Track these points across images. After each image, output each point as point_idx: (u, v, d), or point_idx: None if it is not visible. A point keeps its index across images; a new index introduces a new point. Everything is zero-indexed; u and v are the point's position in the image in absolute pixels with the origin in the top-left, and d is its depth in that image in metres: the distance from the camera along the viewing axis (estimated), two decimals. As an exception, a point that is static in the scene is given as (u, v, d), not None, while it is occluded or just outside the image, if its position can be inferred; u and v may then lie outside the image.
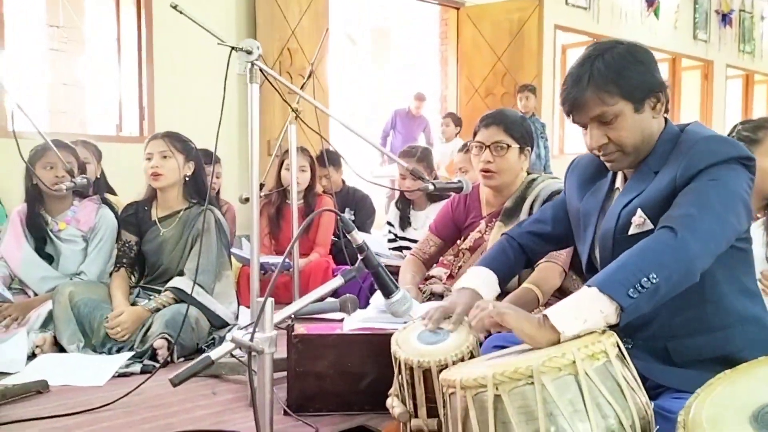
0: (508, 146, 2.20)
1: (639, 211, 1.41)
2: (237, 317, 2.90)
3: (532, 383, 1.14)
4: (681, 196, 1.35)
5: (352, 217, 4.22)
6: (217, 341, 2.67)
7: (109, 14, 4.86)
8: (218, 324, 2.76)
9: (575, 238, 1.65)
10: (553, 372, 1.15)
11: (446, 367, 1.45)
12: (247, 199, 3.52)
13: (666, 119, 1.48)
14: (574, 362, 1.15)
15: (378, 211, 4.65)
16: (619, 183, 1.54)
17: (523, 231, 1.76)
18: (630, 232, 1.42)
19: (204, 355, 1.26)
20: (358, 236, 1.47)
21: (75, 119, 5.29)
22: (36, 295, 2.80)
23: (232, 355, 2.21)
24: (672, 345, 1.41)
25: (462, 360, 1.48)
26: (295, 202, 2.98)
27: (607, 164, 1.50)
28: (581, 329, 1.24)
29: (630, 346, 1.41)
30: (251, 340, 1.25)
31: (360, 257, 1.47)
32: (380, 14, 9.56)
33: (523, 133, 2.25)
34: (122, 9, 4.79)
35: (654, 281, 1.23)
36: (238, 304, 2.98)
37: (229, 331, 2.74)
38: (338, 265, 3.83)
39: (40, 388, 2.16)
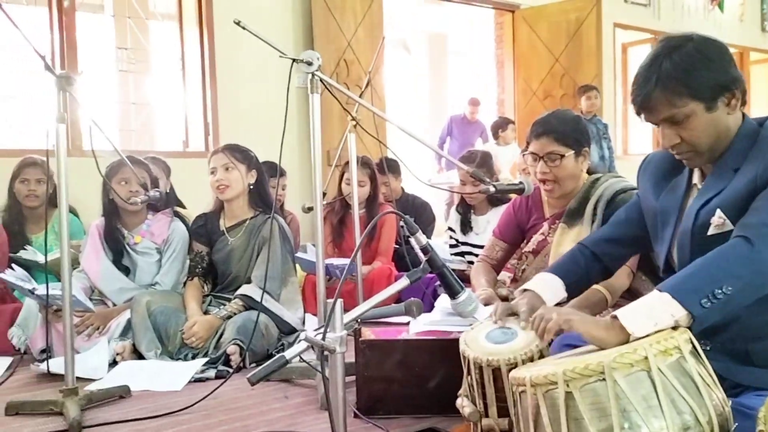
0: (562, 155, 2.14)
1: (718, 212, 1.37)
2: (303, 323, 2.96)
3: (604, 380, 1.14)
4: (759, 199, 1.31)
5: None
6: (286, 347, 2.73)
7: (173, 35, 5.07)
8: (286, 330, 2.83)
9: (652, 238, 1.60)
10: (625, 368, 1.14)
11: (516, 366, 1.45)
12: (310, 209, 3.60)
13: (743, 114, 1.43)
14: (646, 358, 1.14)
15: (436, 219, 4.66)
16: (696, 179, 1.49)
17: (596, 238, 1.74)
18: (709, 233, 1.38)
19: (279, 355, 1.31)
20: (422, 238, 1.49)
21: (143, 137, 5.53)
22: (115, 305, 2.95)
23: (302, 360, 2.30)
24: (753, 347, 1.36)
25: (531, 359, 1.48)
26: (357, 210, 3.02)
27: (684, 162, 1.47)
28: (651, 332, 1.22)
29: (708, 348, 1.38)
30: (323, 339, 1.29)
31: (425, 258, 1.49)
32: (435, 20, 9.58)
33: (577, 136, 2.17)
34: (185, 30, 4.99)
35: (728, 292, 1.21)
36: (304, 311, 3.04)
37: (297, 337, 2.81)
38: (400, 272, 3.86)
39: (122, 393, 2.27)
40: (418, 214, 4.33)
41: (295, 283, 3.04)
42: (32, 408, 2.12)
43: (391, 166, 4.13)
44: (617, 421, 1.11)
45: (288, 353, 1.33)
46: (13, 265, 2.84)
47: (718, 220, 1.37)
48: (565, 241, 2.19)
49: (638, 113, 1.43)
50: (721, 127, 1.39)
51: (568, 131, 2.15)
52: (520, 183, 2.16)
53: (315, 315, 3.34)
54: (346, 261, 3.58)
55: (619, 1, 7.28)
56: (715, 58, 1.38)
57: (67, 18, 4.29)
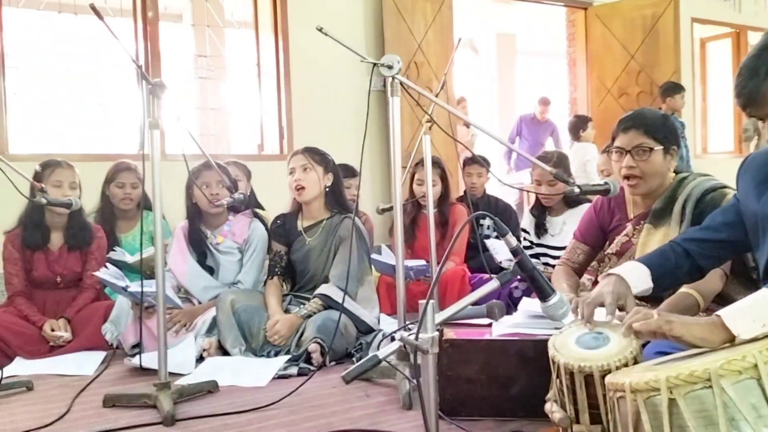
0: (651, 149, 2.08)
1: None
2: (379, 322, 2.99)
3: (710, 387, 1.11)
4: None
5: (491, 224, 4.22)
6: (364, 346, 2.77)
7: (249, 42, 5.21)
8: (364, 329, 2.87)
9: (752, 242, 1.54)
10: (732, 375, 1.10)
11: (609, 372, 1.43)
12: (383, 210, 3.65)
13: None
14: (755, 366, 1.10)
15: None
16: None
17: (689, 237, 1.68)
18: None
19: (371, 354, 1.33)
20: (512, 240, 1.48)
21: (221, 141, 5.70)
22: (200, 303, 3.06)
23: (384, 360, 2.32)
24: None
25: (626, 365, 1.45)
26: (431, 211, 3.02)
27: None
28: (758, 333, 1.18)
29: None
30: (416, 339, 1.31)
31: (515, 260, 1.48)
32: (504, 20, 9.48)
33: (667, 133, 2.12)
34: (261, 36, 5.12)
35: None
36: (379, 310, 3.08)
37: (374, 336, 2.84)
38: (473, 273, 3.84)
39: (211, 388, 2.36)
40: (502, 217, 4.30)
41: (371, 282, 3.08)
42: (128, 401, 2.23)
43: (480, 161, 4.13)
44: (725, 430, 1.08)
45: (381, 353, 1.36)
46: (107, 264, 3.00)
47: None
48: (651, 242, 2.13)
49: (744, 107, 1.37)
50: None
51: (659, 126, 2.10)
52: (606, 183, 2.12)
53: (388, 315, 3.38)
54: (420, 262, 3.59)
55: (698, -6, 7.02)
56: None
57: (151, 28, 4.48)
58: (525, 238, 3.76)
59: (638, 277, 1.61)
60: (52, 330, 2.89)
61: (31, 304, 2.97)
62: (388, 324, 3.15)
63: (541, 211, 3.61)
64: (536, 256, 3.68)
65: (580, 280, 2.43)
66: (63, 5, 4.62)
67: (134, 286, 2.69)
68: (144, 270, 3.15)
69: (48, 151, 4.10)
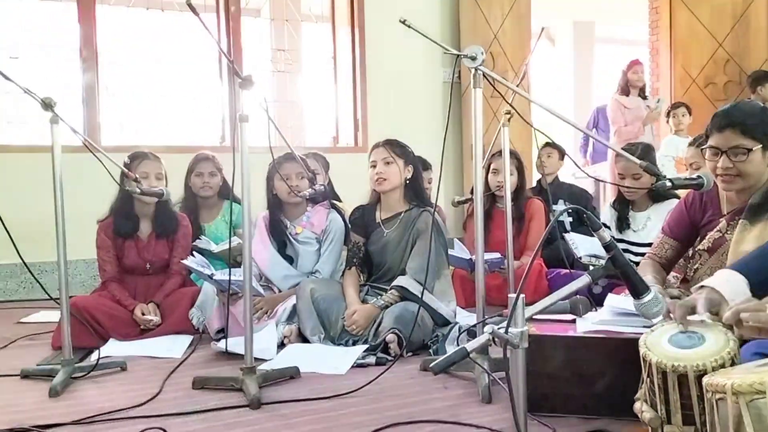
0: (750, 149, 1.97)
1: None
2: (455, 315, 2.99)
3: (822, 392, 1.05)
4: None
5: (571, 219, 4.15)
6: (441, 338, 2.78)
7: (325, 36, 5.29)
8: (440, 322, 2.87)
9: None
10: None
11: (705, 372, 1.38)
12: (459, 203, 3.63)
13: None
14: None
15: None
16: None
17: None
18: None
19: (460, 347, 1.33)
20: (606, 234, 1.45)
21: (297, 134, 5.81)
22: (280, 291, 3.15)
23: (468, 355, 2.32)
24: None
25: (722, 366, 1.40)
26: (509, 205, 2.98)
27: None
28: None
29: None
30: (506, 332, 1.30)
31: (608, 255, 1.45)
32: (582, 8, 9.21)
33: (766, 128, 1.99)
34: (338, 30, 5.18)
35: None
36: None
37: (450, 329, 2.84)
38: (550, 268, 3.78)
39: (293, 374, 2.42)
40: (579, 204, 4.21)
41: (447, 276, 3.08)
42: (216, 383, 2.32)
43: (555, 145, 4.07)
44: (838, 437, 1.03)
45: (469, 345, 1.36)
46: (194, 252, 3.12)
47: None
48: (746, 238, 2.03)
49: None
50: None
51: (757, 123, 1.98)
52: (699, 177, 2.04)
53: (462, 308, 3.37)
54: (494, 255, 3.56)
55: (794, -23, 6.60)
56: None
57: (233, 23, 4.61)
58: (605, 233, 3.66)
59: (733, 289, 1.52)
60: (143, 314, 3.03)
61: (123, 289, 3.12)
62: (463, 317, 3.14)
63: (623, 206, 3.50)
64: (617, 251, 3.58)
65: (667, 275, 2.36)
66: (151, 2, 4.82)
67: (219, 274, 2.79)
68: (225, 259, 3.27)
69: (136, 143, 4.30)
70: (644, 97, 5.67)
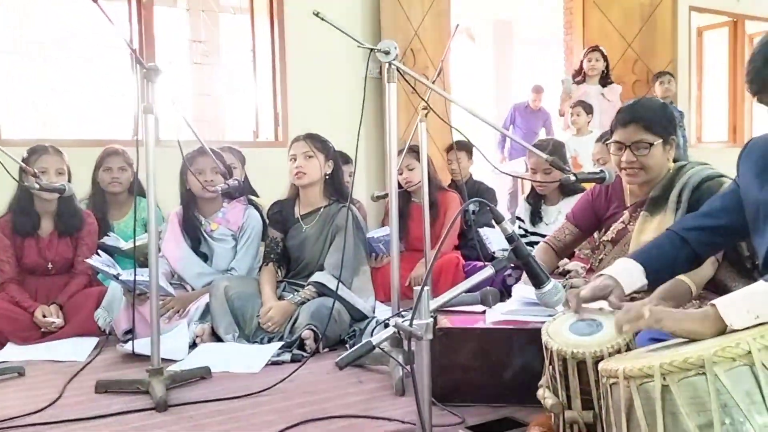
0: (651, 144, 2.07)
1: None
2: (374, 310, 2.99)
3: (704, 374, 1.10)
4: None
5: (476, 209, 4.22)
6: (358, 333, 2.77)
7: (244, 26, 5.17)
8: (358, 317, 2.86)
9: (751, 230, 1.51)
10: (726, 362, 1.10)
11: (602, 358, 1.43)
12: (378, 198, 3.63)
13: None
14: (749, 353, 1.10)
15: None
16: None
17: (687, 225, 1.65)
18: None
19: (365, 340, 1.32)
20: (509, 226, 1.47)
21: (215, 127, 5.67)
22: (193, 289, 3.05)
23: (377, 347, 2.32)
24: None
25: (618, 352, 1.45)
26: (426, 198, 3.00)
27: None
28: (750, 324, 1.17)
29: None
30: (410, 325, 1.30)
31: (510, 247, 1.48)
32: (501, 8, 9.42)
33: (665, 123, 2.10)
34: (257, 21, 5.08)
35: None
36: (375, 299, 3.07)
37: (368, 324, 2.84)
38: (467, 261, 3.84)
39: (204, 374, 2.36)
40: (485, 199, 4.30)
41: (366, 272, 3.08)
42: (120, 386, 2.22)
43: (462, 146, 4.11)
44: (717, 416, 1.08)
45: (375, 339, 1.35)
46: (99, 251, 2.98)
47: None
48: (646, 229, 2.13)
49: (755, 93, 1.35)
50: None
51: (657, 119, 2.08)
52: (601, 171, 2.12)
53: (383, 302, 3.37)
54: (384, 231, 3.59)
55: (696, -18, 6.98)
56: None
57: (145, 12, 4.43)
58: (520, 227, 3.76)
59: (631, 277, 1.59)
60: (44, 316, 2.87)
61: (22, 290, 2.96)
62: (383, 312, 3.15)
63: (536, 200, 3.60)
64: (531, 244, 3.67)
65: (560, 260, 2.44)
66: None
67: (126, 274, 2.68)
68: (138, 257, 3.14)
69: (42, 137, 4.06)
70: (604, 84, 5.73)
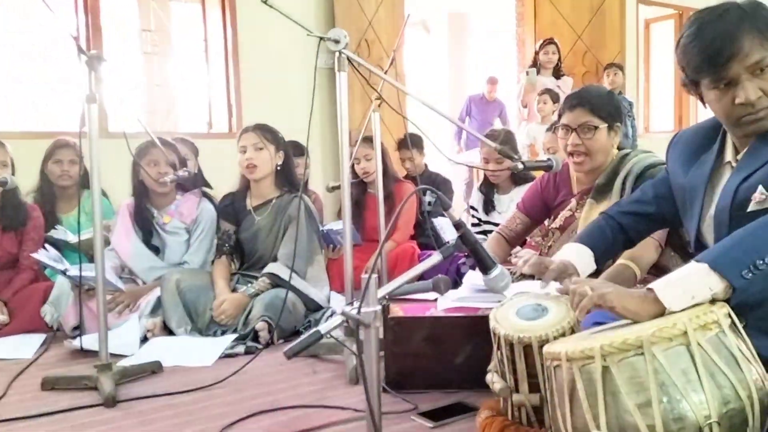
0: (596, 127, 2.13)
1: (760, 188, 1.33)
2: (329, 301, 2.99)
3: (642, 354, 1.13)
4: None
5: (432, 200, 4.25)
6: (313, 323, 2.77)
7: (195, 15, 5.07)
8: (313, 307, 2.86)
9: (681, 215, 1.57)
10: (663, 342, 1.13)
11: (547, 342, 1.46)
12: (333, 188, 3.63)
13: None
14: (685, 332, 1.14)
15: (455, 198, 4.66)
16: (730, 156, 1.45)
17: (622, 210, 1.71)
18: (749, 209, 1.34)
19: (313, 330, 1.32)
20: (455, 214, 1.49)
21: (168, 118, 5.55)
22: (144, 283, 3.00)
23: (330, 336, 2.32)
24: None
25: (563, 335, 1.49)
26: (380, 188, 3.01)
27: (751, 126, 1.37)
28: (687, 305, 1.21)
29: (744, 325, 1.36)
30: (358, 313, 1.30)
31: (458, 234, 1.49)
32: (456, 0, 9.46)
33: (611, 110, 2.17)
34: (208, 9, 4.99)
35: None
36: (330, 289, 3.07)
37: (323, 314, 2.84)
38: (423, 251, 3.86)
39: (154, 368, 2.32)
40: (441, 190, 4.32)
41: (320, 261, 3.07)
42: (67, 383, 2.17)
43: (414, 142, 4.12)
44: (656, 395, 1.11)
45: (322, 328, 1.34)
46: (46, 245, 2.90)
47: (760, 196, 1.33)
48: (593, 216, 2.17)
49: (727, 60, 1.31)
50: None
51: (604, 104, 2.15)
52: (549, 160, 2.16)
53: (340, 292, 3.37)
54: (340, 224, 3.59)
55: (643, -24, 7.14)
56: None
57: (92, 1, 4.31)
58: (473, 215, 3.80)
59: (585, 261, 1.64)
60: (-13, 313, 2.78)
61: (-36, 287, 2.86)
62: (339, 302, 3.14)
63: (489, 189, 3.65)
64: (484, 233, 3.72)
65: (512, 249, 2.49)
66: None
67: (74, 269, 2.61)
68: (86, 251, 3.06)
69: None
70: (558, 77, 5.82)
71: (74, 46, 2.10)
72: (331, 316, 2.76)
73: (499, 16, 9.00)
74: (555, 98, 5.46)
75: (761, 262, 1.18)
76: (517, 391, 1.57)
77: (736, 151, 1.44)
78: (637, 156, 2.24)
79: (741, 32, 1.30)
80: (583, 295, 1.35)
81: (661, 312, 1.22)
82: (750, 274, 1.18)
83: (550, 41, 5.83)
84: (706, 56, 1.33)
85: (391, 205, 3.90)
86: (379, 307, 1.36)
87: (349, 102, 5.34)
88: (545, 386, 1.49)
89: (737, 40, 1.30)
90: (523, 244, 3.00)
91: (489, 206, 3.64)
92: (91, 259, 2.80)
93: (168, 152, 2.82)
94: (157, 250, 3.08)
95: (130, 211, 3.07)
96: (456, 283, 2.71)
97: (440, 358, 2.01)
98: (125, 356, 2.47)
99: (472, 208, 3.81)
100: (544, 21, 6.54)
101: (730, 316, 1.20)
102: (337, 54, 2.16)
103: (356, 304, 1.35)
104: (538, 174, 2.85)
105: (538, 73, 5.78)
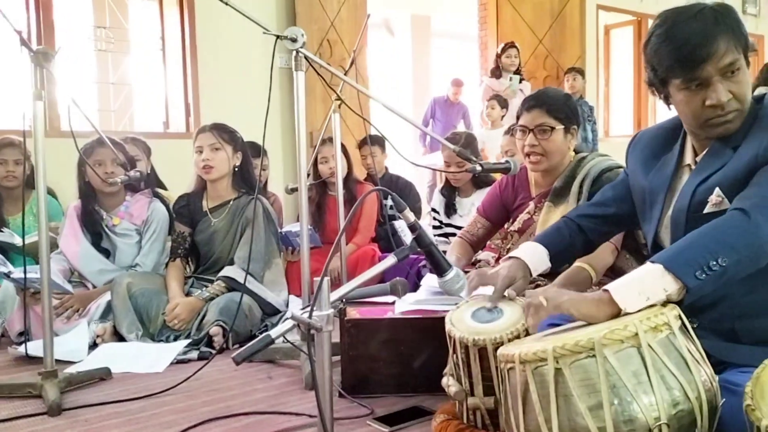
0: (552, 128, 2.15)
1: (717, 190, 1.34)
2: (287, 304, 2.94)
3: (594, 356, 1.13)
4: (759, 174, 1.28)
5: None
6: (270, 328, 2.71)
7: (152, 14, 4.96)
8: (270, 311, 2.81)
9: (639, 217, 1.58)
10: (615, 344, 1.13)
11: (502, 344, 1.45)
12: (293, 190, 3.56)
13: None
14: (636, 334, 1.13)
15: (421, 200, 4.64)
16: (689, 159, 1.46)
17: (581, 213, 1.71)
18: (705, 211, 1.35)
19: (264, 334, 1.28)
20: (410, 215, 1.46)
21: (123, 118, 5.42)
22: (94, 287, 2.90)
23: (286, 340, 2.28)
24: (740, 325, 1.35)
25: (518, 337, 1.48)
26: (341, 190, 2.98)
27: (719, 128, 1.36)
28: (642, 306, 1.21)
29: (695, 326, 1.37)
30: (310, 317, 1.27)
31: (413, 236, 1.47)
32: (419, 2, 9.49)
33: (568, 112, 2.19)
34: (165, 8, 4.88)
35: (723, 264, 1.19)
36: (288, 292, 3.02)
37: (280, 318, 2.79)
38: (384, 253, 3.84)
39: (103, 375, 2.24)
40: (403, 194, 4.31)
41: (279, 264, 3.02)
42: (10, 391, 2.08)
43: (376, 140, 4.10)
44: (607, 397, 1.10)
45: (273, 332, 1.31)
46: (-10, 247, 2.79)
47: (716, 199, 1.34)
48: (551, 219, 2.19)
49: (702, 61, 1.29)
50: (750, 91, 1.35)
51: (560, 106, 2.16)
52: (507, 162, 2.16)
53: (298, 296, 3.33)
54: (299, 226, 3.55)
55: (602, -19, 7.26)
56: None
57: (42, -6, 4.18)
58: (435, 218, 3.80)
59: (538, 259, 1.64)
60: (-74, 319, 2.66)
61: None
62: (297, 305, 3.10)
63: (450, 192, 3.65)
64: (446, 235, 3.72)
65: (475, 253, 2.48)
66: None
67: (18, 272, 2.51)
68: (33, 255, 2.95)
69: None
70: (520, 80, 5.86)
71: (19, 41, 2.01)
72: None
73: (462, 19, 9.07)
74: (503, 104, 5.51)
75: (714, 263, 1.19)
76: (472, 394, 1.56)
77: (696, 154, 1.45)
78: (593, 159, 2.26)
79: (717, 33, 1.29)
80: (538, 307, 1.35)
81: (617, 313, 1.22)
82: (703, 275, 1.19)
83: (511, 45, 5.88)
84: (681, 56, 1.31)
85: (354, 205, 3.87)
86: (331, 311, 1.33)
87: (311, 102, 5.33)
88: (500, 389, 1.48)
89: (713, 41, 1.29)
90: (483, 247, 3.01)
91: (450, 209, 3.63)
92: (38, 262, 2.71)
93: (117, 152, 2.73)
94: (107, 253, 2.99)
95: (77, 213, 2.97)
96: (417, 287, 2.70)
97: (397, 362, 1.99)
98: (73, 363, 2.38)
99: (434, 210, 3.81)
100: (506, 25, 6.59)
101: (680, 318, 1.20)
102: (294, 53, 2.12)
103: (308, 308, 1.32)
104: (498, 177, 2.86)
105: (500, 76, 5.82)
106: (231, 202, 2.93)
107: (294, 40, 2.09)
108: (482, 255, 3.00)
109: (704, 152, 1.41)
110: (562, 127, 2.17)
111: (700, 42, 1.29)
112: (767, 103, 1.36)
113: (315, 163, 3.80)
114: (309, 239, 2.17)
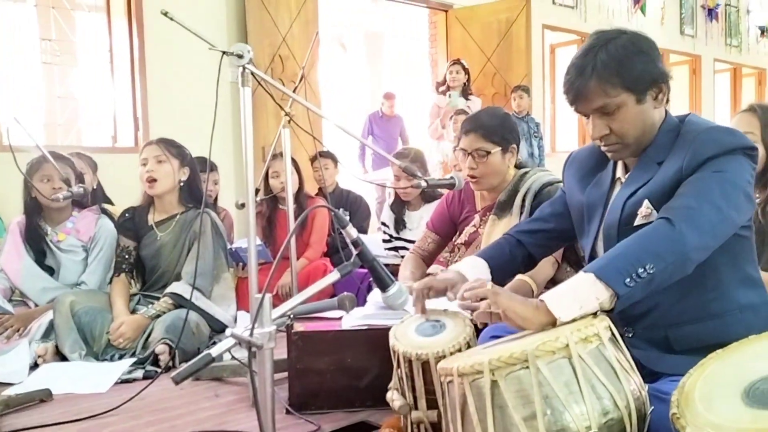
0: (489, 152, 2.19)
1: (646, 202, 1.40)
2: (236, 320, 2.92)
3: (527, 367, 1.16)
4: (683, 186, 1.35)
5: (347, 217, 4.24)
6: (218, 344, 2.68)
7: (100, 26, 4.88)
8: (218, 328, 2.78)
9: (577, 232, 1.64)
10: (547, 356, 1.17)
11: (444, 358, 1.47)
12: (243, 205, 3.54)
13: (665, 110, 1.48)
14: (567, 346, 1.18)
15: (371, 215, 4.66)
16: (620, 173, 1.53)
17: (521, 229, 1.76)
18: (636, 223, 1.41)
19: (204, 352, 1.28)
20: (353, 231, 1.49)
21: (70, 132, 5.30)
22: (37, 306, 2.83)
23: (233, 357, 2.26)
24: (672, 333, 1.41)
25: (459, 350, 1.51)
26: (291, 205, 2.98)
27: (608, 154, 1.49)
28: (577, 315, 1.26)
29: (630, 336, 1.43)
30: (251, 335, 1.27)
31: (355, 252, 1.49)
32: (372, 19, 9.58)
33: (504, 133, 2.23)
34: (113, 21, 4.82)
35: (650, 271, 1.24)
36: (237, 308, 3.00)
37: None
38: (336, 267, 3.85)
39: (43, 397, 2.18)
40: (353, 208, 4.33)
41: (227, 279, 2.99)
42: (-56, 415, 2.01)
43: (328, 154, 4.12)
44: (540, 407, 1.14)
45: (214, 350, 1.30)
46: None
47: (646, 210, 1.40)
48: (495, 232, 2.24)
49: (572, 103, 1.45)
50: (647, 121, 1.43)
51: (495, 129, 2.20)
52: (451, 178, 2.21)
53: (248, 312, 3.30)
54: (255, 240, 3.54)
55: (548, 2, 7.47)
56: (647, 50, 1.43)
57: (-16, 6, 4.08)
58: (385, 232, 3.83)
59: (479, 272, 1.67)
60: None
61: None
62: (247, 321, 3.07)
63: (400, 206, 3.69)
64: (396, 249, 3.75)
65: (428, 268, 2.51)
66: None
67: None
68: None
69: None
70: (466, 96, 5.90)
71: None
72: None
73: (414, 36, 9.19)
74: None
75: (642, 270, 1.25)
76: (416, 407, 1.58)
77: (626, 169, 1.52)
78: (535, 174, 2.32)
79: (586, 80, 1.40)
80: (482, 286, 1.37)
81: (553, 322, 1.27)
82: (633, 282, 1.25)
83: (456, 62, 5.98)
84: (565, 93, 1.46)
85: (304, 222, 3.87)
86: (273, 328, 1.33)
87: (263, 117, 5.31)
88: (442, 402, 1.51)
89: (583, 88, 1.41)
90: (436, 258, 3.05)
91: (400, 223, 3.67)
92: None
93: (62, 167, 2.68)
94: (51, 271, 2.91)
95: (21, 229, 2.89)
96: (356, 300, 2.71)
97: (345, 376, 2.00)
98: (13, 384, 2.32)
99: (384, 224, 3.84)
100: (456, 43, 6.72)
101: (610, 328, 1.25)
102: (240, 69, 2.13)
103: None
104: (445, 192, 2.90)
105: (447, 92, 5.92)
106: (178, 216, 2.90)
107: (240, 56, 2.10)
108: (431, 268, 3.04)
109: (633, 167, 1.49)
110: (499, 148, 2.21)
111: (568, 88, 1.44)
112: (689, 120, 1.45)
113: (266, 178, 3.79)
114: (259, 254, 2.17)
